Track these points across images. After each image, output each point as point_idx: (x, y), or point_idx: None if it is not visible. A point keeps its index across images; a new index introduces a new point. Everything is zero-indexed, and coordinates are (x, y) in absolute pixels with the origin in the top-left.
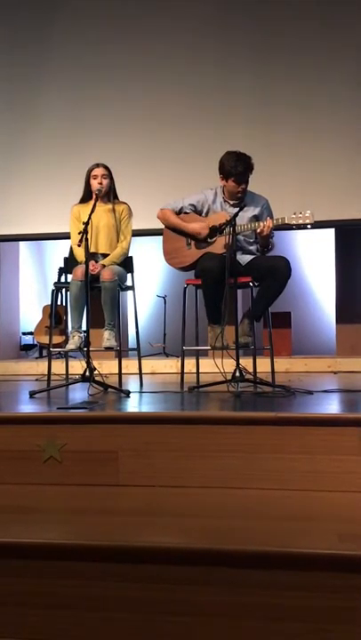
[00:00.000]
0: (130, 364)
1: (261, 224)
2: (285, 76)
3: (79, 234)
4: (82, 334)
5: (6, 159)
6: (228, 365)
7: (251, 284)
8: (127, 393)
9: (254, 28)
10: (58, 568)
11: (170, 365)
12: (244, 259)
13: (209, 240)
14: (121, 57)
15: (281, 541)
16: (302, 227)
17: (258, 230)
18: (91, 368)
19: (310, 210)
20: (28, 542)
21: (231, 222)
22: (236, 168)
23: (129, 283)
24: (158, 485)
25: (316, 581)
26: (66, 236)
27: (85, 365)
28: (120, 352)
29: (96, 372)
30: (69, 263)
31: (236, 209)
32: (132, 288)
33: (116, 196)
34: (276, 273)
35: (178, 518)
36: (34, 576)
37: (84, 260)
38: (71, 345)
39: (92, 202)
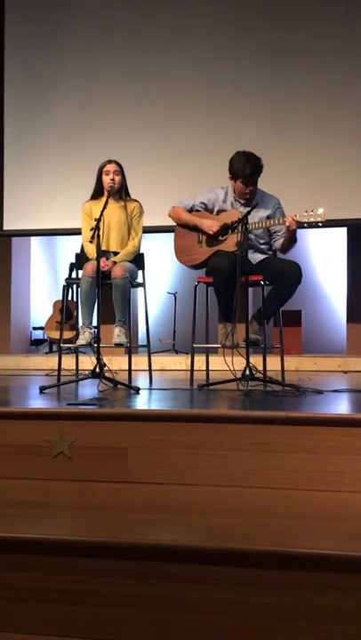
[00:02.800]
0: (139, 361)
1: (289, 218)
2: (298, 75)
3: (91, 230)
4: (92, 330)
5: (19, 155)
6: (238, 363)
7: (262, 282)
8: (137, 390)
9: (268, 26)
10: (65, 564)
11: (179, 362)
12: (256, 257)
13: (221, 238)
14: (133, 55)
15: (290, 541)
16: (314, 225)
17: (286, 224)
18: (101, 364)
19: (322, 208)
20: (36, 538)
21: (243, 220)
22: (244, 170)
23: (140, 280)
24: (167, 483)
25: (326, 581)
26: (77, 232)
27: (95, 361)
28: (130, 349)
29: (106, 369)
30: (80, 259)
31: (247, 208)
32: (142, 285)
33: (127, 193)
34: (286, 278)
35: (186, 516)
36: (41, 572)
37: (95, 256)
38: (81, 341)
39: (104, 198)
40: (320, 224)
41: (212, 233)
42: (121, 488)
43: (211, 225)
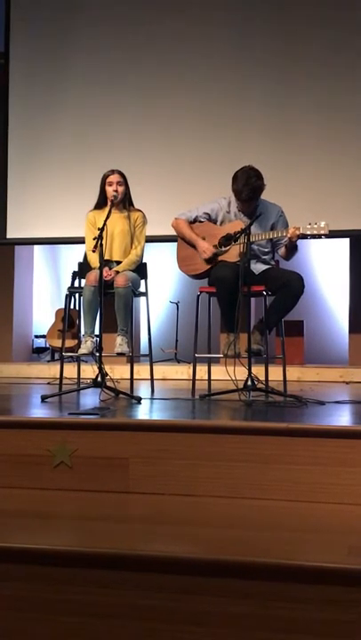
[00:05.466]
0: (141, 370)
1: (291, 229)
2: (302, 86)
3: (94, 239)
4: (94, 339)
5: (23, 164)
6: (240, 373)
7: (264, 292)
8: (138, 399)
9: (270, 37)
10: (65, 575)
11: (181, 371)
12: (258, 268)
13: (223, 248)
14: (136, 67)
15: (291, 554)
16: (317, 237)
17: (289, 236)
18: (102, 373)
19: (325, 220)
20: (36, 548)
21: (246, 231)
22: (240, 194)
23: (142, 289)
24: (168, 493)
25: (327, 595)
26: (80, 241)
27: (97, 370)
28: (132, 358)
29: (108, 378)
30: (83, 268)
31: (250, 218)
32: (145, 294)
33: (131, 203)
34: (289, 289)
35: (187, 527)
36: (40, 582)
37: (97, 265)
38: (83, 349)
39: (107, 208)
40: (323, 237)
41: (204, 258)
42: (122, 498)
43: (205, 249)
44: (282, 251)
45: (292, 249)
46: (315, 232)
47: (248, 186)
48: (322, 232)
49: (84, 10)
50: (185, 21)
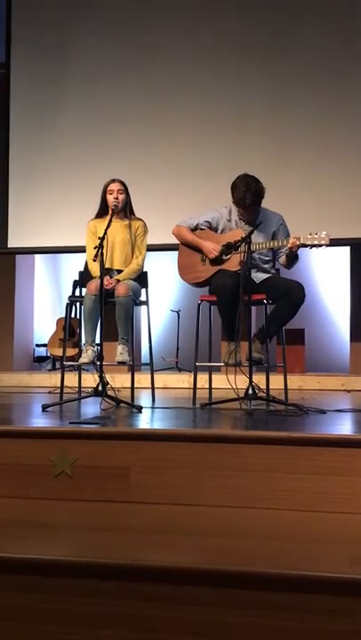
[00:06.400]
0: (142, 378)
1: (292, 240)
2: (300, 94)
3: (95, 248)
4: (95, 348)
5: (24, 172)
6: (241, 382)
7: (265, 301)
8: (139, 408)
9: (270, 45)
10: (65, 585)
11: (182, 380)
12: (259, 276)
13: (224, 257)
14: (136, 75)
15: (292, 563)
16: (317, 246)
17: (289, 246)
18: (103, 382)
19: (326, 230)
20: (36, 558)
21: (246, 239)
22: (244, 200)
23: (143, 298)
24: (169, 503)
25: (328, 605)
26: (81, 250)
27: (98, 379)
28: (133, 367)
29: (108, 387)
30: (84, 277)
31: (251, 227)
32: (146, 303)
33: (132, 212)
34: (290, 298)
35: (188, 537)
36: (40, 593)
37: (98, 274)
38: (84, 359)
39: (108, 217)
40: (323, 246)
41: (211, 257)
42: (123, 508)
43: (211, 249)
44: (283, 260)
45: (292, 258)
46: (315, 242)
47: (250, 191)
48: (322, 242)
49: (84, 20)
50: (186, 31)
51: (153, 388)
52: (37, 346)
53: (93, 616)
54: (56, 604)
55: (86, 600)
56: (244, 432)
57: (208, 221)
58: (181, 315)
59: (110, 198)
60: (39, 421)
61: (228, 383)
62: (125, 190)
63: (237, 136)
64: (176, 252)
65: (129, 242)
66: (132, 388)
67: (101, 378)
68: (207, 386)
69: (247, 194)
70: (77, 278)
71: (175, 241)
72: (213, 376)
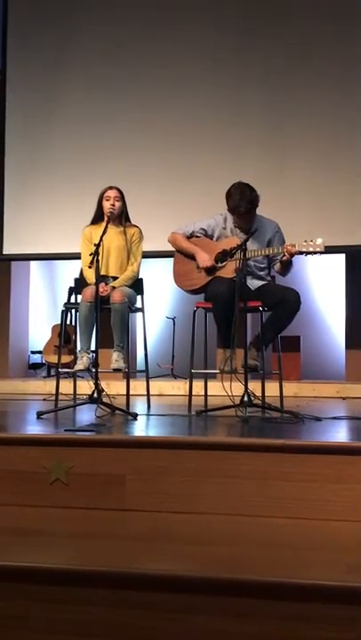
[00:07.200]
0: (138, 385)
1: (287, 247)
2: (297, 103)
3: (90, 255)
4: (90, 355)
5: (19, 180)
6: (237, 389)
7: (260, 308)
8: (135, 416)
9: (268, 55)
10: (60, 594)
11: (178, 387)
12: (255, 284)
13: (219, 264)
14: (134, 84)
15: (289, 571)
16: (313, 254)
17: (284, 252)
18: (99, 389)
19: (321, 236)
20: (30, 566)
21: (241, 247)
22: (238, 208)
23: (139, 304)
24: (165, 511)
25: (325, 613)
26: (76, 257)
27: (93, 386)
28: (128, 374)
29: (104, 394)
30: (80, 284)
31: (247, 235)
32: (141, 310)
33: (127, 219)
34: (285, 305)
35: (183, 545)
36: (35, 601)
37: (94, 281)
38: (80, 366)
39: (104, 224)
40: (319, 254)
41: (204, 267)
42: (118, 516)
43: (205, 259)
44: (277, 266)
45: (287, 265)
46: (310, 249)
47: (244, 199)
48: (318, 249)
49: (82, 28)
50: (184, 39)
51: (148, 396)
52: (32, 353)
53: (88, 624)
54: (51, 613)
55: (82, 609)
56: (239, 439)
57: (204, 229)
58: (177, 322)
59: (107, 205)
60: (34, 429)
61: (223, 390)
62: (122, 198)
63: (235, 144)
64: (171, 259)
65: (124, 248)
66: (128, 395)
67: (97, 385)
68: (203, 393)
69: (241, 202)
70: (73, 285)
71: (171, 248)
72: (209, 383)
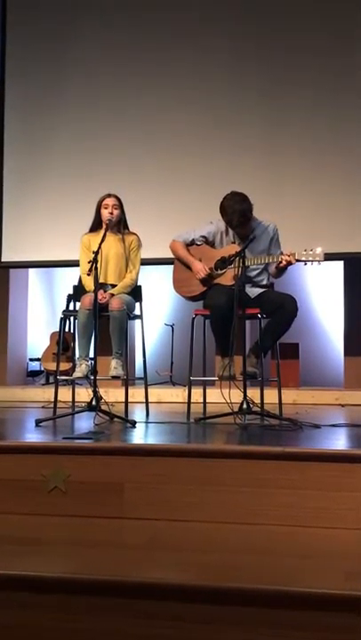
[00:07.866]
0: (136, 393)
1: (284, 258)
2: (296, 109)
3: (89, 263)
4: (89, 362)
5: (18, 187)
6: (236, 396)
7: (259, 315)
8: (133, 423)
9: (267, 60)
10: (58, 602)
11: (176, 394)
12: (254, 291)
13: (219, 271)
14: (134, 89)
15: (287, 580)
16: (312, 262)
17: (284, 261)
18: (97, 397)
19: (320, 244)
20: (28, 575)
21: (240, 254)
22: (231, 222)
23: (137, 312)
24: (163, 519)
25: (324, 621)
26: (75, 264)
27: (92, 394)
28: (127, 381)
29: (102, 401)
30: (78, 291)
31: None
32: (140, 317)
33: (126, 227)
34: (283, 311)
35: (182, 553)
36: (32, 609)
37: (92, 289)
38: (78, 373)
39: (102, 231)
40: (318, 262)
41: (198, 278)
42: (116, 524)
43: (200, 270)
44: (272, 270)
45: (283, 270)
46: (310, 258)
47: (236, 213)
48: (317, 258)
49: (81, 35)
50: (183, 47)
51: (147, 403)
52: (31, 360)
53: (87, 632)
54: (49, 621)
55: (80, 617)
56: (238, 447)
57: (204, 236)
58: (176, 329)
59: (105, 213)
60: (32, 436)
61: (222, 397)
62: (120, 206)
63: (233, 152)
64: (170, 267)
65: (123, 256)
66: (126, 402)
67: (95, 392)
68: (201, 400)
69: (233, 216)
70: (71, 292)
71: (169, 255)
72: (208, 390)
